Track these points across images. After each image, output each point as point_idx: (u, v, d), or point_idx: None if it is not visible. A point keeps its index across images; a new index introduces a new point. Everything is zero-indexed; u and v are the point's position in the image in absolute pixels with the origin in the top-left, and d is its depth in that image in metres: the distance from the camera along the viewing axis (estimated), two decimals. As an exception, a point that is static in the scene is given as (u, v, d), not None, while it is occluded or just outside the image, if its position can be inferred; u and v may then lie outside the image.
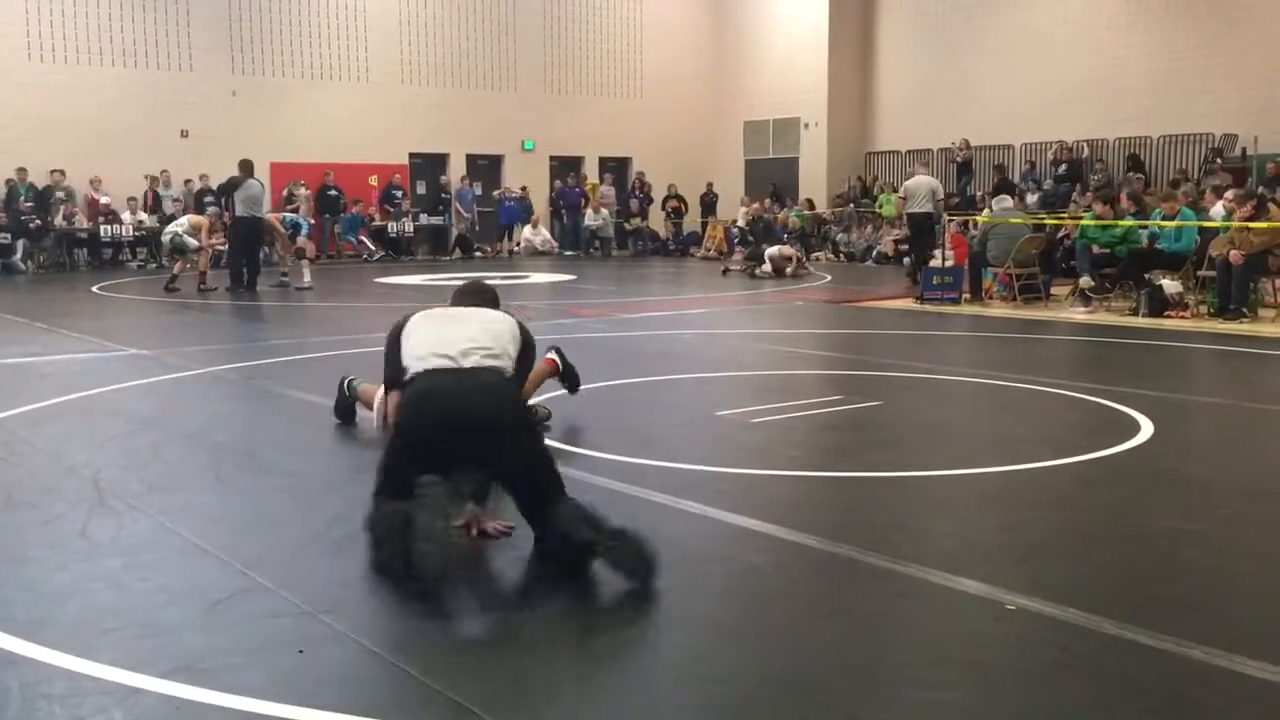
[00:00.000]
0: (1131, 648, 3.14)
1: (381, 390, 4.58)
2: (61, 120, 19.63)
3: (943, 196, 17.32)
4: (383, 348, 4.47)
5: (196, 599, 3.56)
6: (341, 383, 6.20)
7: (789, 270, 18.01)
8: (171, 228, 15.39)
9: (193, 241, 14.95)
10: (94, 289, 15.59)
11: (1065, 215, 16.12)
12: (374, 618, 3.42)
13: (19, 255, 19.01)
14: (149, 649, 3.17)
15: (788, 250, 18.64)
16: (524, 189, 24.31)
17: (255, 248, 15.32)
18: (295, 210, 18.26)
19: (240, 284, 14.72)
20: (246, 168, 14.99)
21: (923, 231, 15.46)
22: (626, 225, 24.91)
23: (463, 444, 3.86)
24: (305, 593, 3.59)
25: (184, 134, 21.01)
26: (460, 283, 4.81)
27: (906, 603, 3.59)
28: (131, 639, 3.25)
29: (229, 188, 15.17)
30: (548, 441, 5.61)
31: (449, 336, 4.19)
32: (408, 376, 4.12)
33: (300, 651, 3.15)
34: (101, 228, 19.85)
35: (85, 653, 3.12)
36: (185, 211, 20.82)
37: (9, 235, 18.78)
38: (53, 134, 19.56)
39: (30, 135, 19.34)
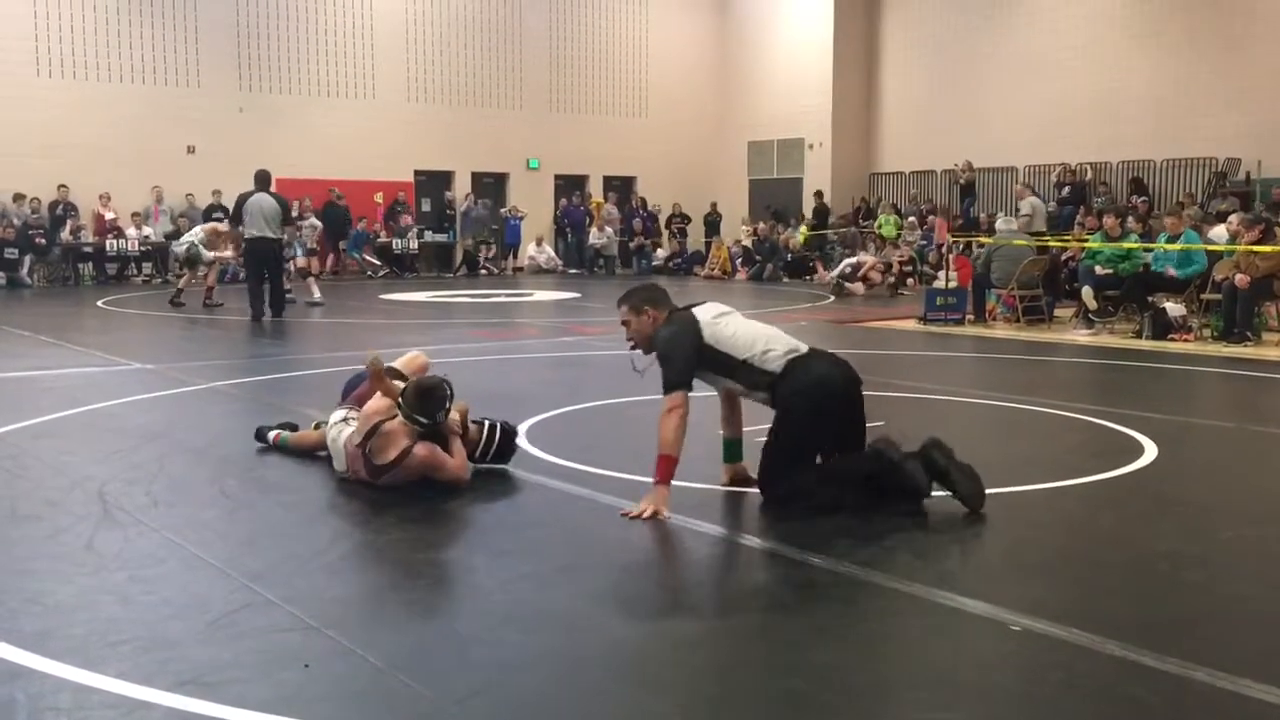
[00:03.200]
0: (1135, 669, 3.14)
1: (674, 405, 4.60)
2: (69, 136, 19.73)
3: None
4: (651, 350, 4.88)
5: (202, 613, 3.57)
6: (264, 433, 6.05)
7: (871, 284, 17.94)
8: (186, 238, 15.07)
9: (208, 254, 14.68)
10: (99, 303, 15.63)
11: (1069, 237, 16.15)
12: (379, 632, 3.42)
13: (25, 270, 19.09)
14: (155, 662, 3.17)
15: (869, 260, 18.55)
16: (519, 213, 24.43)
17: (273, 271, 13.50)
18: (299, 232, 18.10)
19: (261, 314, 13.20)
20: (260, 179, 13.60)
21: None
22: (630, 245, 24.96)
23: (856, 413, 4.85)
24: (310, 607, 3.60)
25: (191, 150, 21.12)
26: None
27: (910, 622, 3.59)
28: (137, 652, 3.26)
29: (237, 206, 13.75)
30: (556, 460, 5.63)
31: (772, 331, 4.92)
32: (772, 367, 4.72)
33: (305, 666, 3.16)
34: (107, 242, 19.93)
35: (91, 665, 3.13)
36: (189, 227, 20.97)
37: (16, 250, 18.87)
38: (61, 150, 19.66)
39: (38, 151, 19.44)
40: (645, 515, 4.50)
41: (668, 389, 4.68)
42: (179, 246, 15.27)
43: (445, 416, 5.10)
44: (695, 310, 4.93)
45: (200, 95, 21.19)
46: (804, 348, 4.88)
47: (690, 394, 4.71)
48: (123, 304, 15.67)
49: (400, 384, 5.24)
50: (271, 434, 6.00)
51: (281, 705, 2.90)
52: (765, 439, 4.87)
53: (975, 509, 4.68)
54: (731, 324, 4.89)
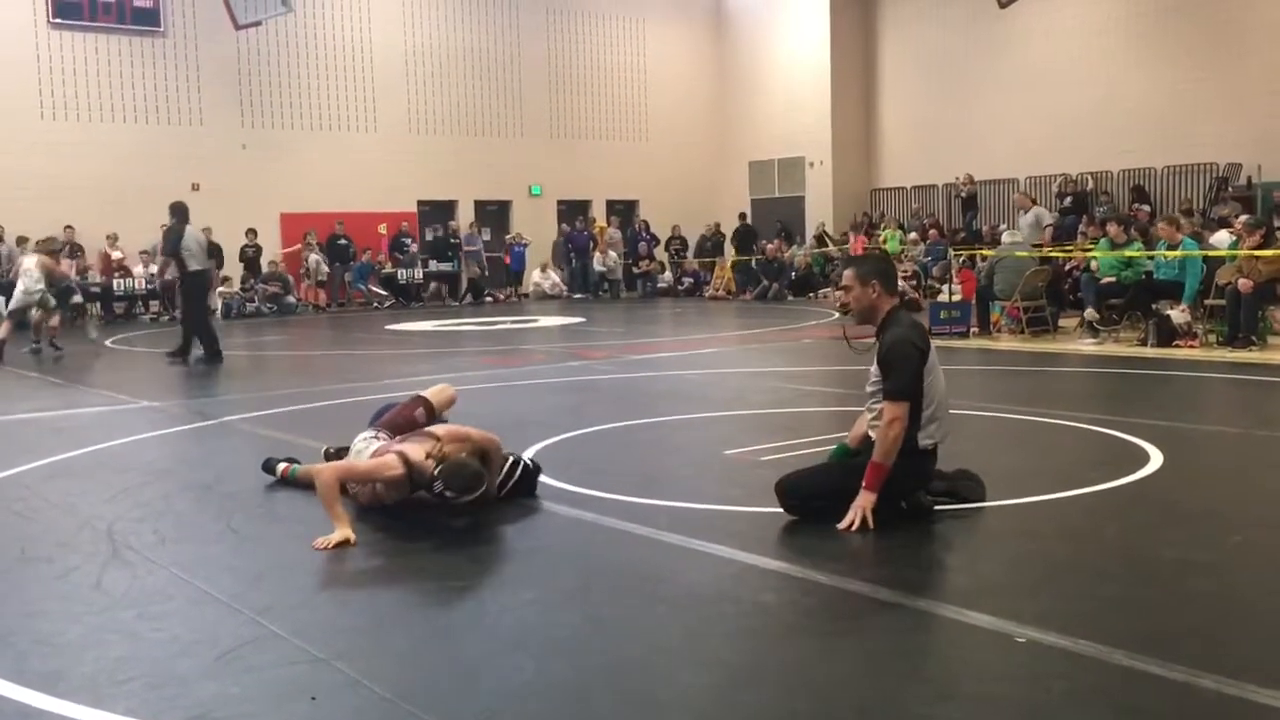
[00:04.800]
0: (1143, 678, 3.13)
1: (898, 416, 4.68)
2: (74, 177, 19.89)
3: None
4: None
5: (210, 648, 3.58)
6: (272, 465, 6.06)
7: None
8: (34, 288, 13.26)
9: (52, 300, 13.30)
10: (107, 343, 15.69)
11: (1072, 248, 16.16)
12: (386, 663, 3.43)
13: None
14: (163, 699, 3.19)
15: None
16: (518, 237, 24.59)
17: (199, 305, 13.04)
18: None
19: (186, 354, 12.32)
20: (182, 212, 12.59)
21: None
22: (635, 268, 25.04)
23: None
24: (317, 640, 3.61)
25: (195, 187, 21.24)
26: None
27: (917, 637, 3.59)
28: (146, 689, 3.27)
29: (174, 238, 12.51)
30: (563, 485, 5.65)
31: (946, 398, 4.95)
32: (923, 438, 4.78)
33: (313, 699, 3.16)
34: (114, 281, 20.06)
35: (100, 704, 3.14)
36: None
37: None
38: (65, 192, 19.81)
39: (43, 194, 19.58)
40: (856, 525, 4.59)
41: (893, 397, 4.73)
42: (29, 297, 13.37)
43: (470, 497, 4.88)
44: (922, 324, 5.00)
45: (203, 133, 21.37)
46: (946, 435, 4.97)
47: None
48: (130, 342, 15.74)
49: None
50: (280, 466, 6.02)
51: (289, 738, 2.91)
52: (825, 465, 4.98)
53: (981, 499, 5.06)
54: (937, 364, 4.92)
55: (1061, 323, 13.52)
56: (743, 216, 25.22)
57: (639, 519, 5.01)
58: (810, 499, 4.85)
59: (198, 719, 3.03)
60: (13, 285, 18.82)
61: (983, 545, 4.71)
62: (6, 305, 12.74)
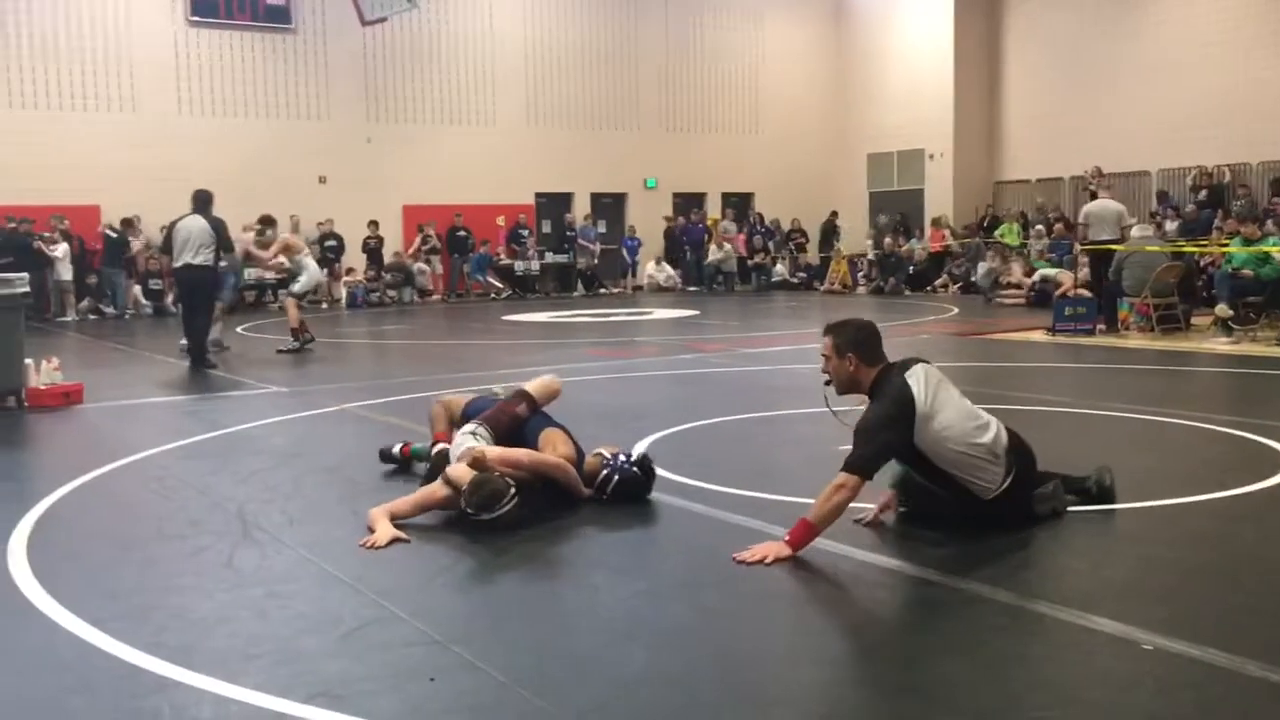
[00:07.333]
0: (1275, 691, 3.01)
1: (846, 485, 4.30)
2: (208, 170, 20.61)
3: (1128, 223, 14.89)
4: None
5: (334, 627, 3.70)
6: (389, 452, 6.17)
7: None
8: None
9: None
10: (238, 329, 16.26)
11: (1207, 242, 15.55)
12: (502, 648, 3.50)
13: (171, 299, 19.99)
14: (290, 674, 3.30)
15: (1066, 279, 17.68)
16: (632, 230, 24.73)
17: (196, 306, 11.80)
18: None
19: (200, 354, 11.36)
20: (198, 200, 12.08)
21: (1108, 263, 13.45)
22: (749, 261, 24.88)
23: None
24: (436, 622, 3.70)
25: (322, 180, 21.87)
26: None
27: (1037, 642, 3.51)
28: (273, 665, 3.39)
29: (168, 230, 12.02)
30: (675, 477, 5.66)
31: (979, 426, 4.60)
32: (978, 490, 4.51)
33: (431, 679, 3.25)
34: (245, 271, 20.73)
35: (231, 677, 3.27)
36: (318, 255, 21.63)
37: (159, 280, 19.80)
38: (200, 184, 20.46)
39: (181, 186, 20.31)
40: (753, 560, 4.24)
41: (847, 468, 4.35)
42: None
43: (489, 516, 4.77)
44: (911, 382, 4.53)
45: (330, 127, 21.96)
46: (1009, 462, 4.57)
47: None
48: (260, 330, 16.28)
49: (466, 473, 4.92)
50: (398, 447, 6.15)
51: (408, 717, 2.99)
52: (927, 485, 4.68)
53: (1111, 500, 4.95)
54: (946, 412, 4.49)
55: (1195, 321, 13.03)
56: (834, 214, 25.29)
57: (749, 512, 5.00)
58: (922, 503, 4.78)
59: (322, 695, 3.13)
60: (148, 273, 19.66)
61: (1108, 548, 4.58)
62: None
